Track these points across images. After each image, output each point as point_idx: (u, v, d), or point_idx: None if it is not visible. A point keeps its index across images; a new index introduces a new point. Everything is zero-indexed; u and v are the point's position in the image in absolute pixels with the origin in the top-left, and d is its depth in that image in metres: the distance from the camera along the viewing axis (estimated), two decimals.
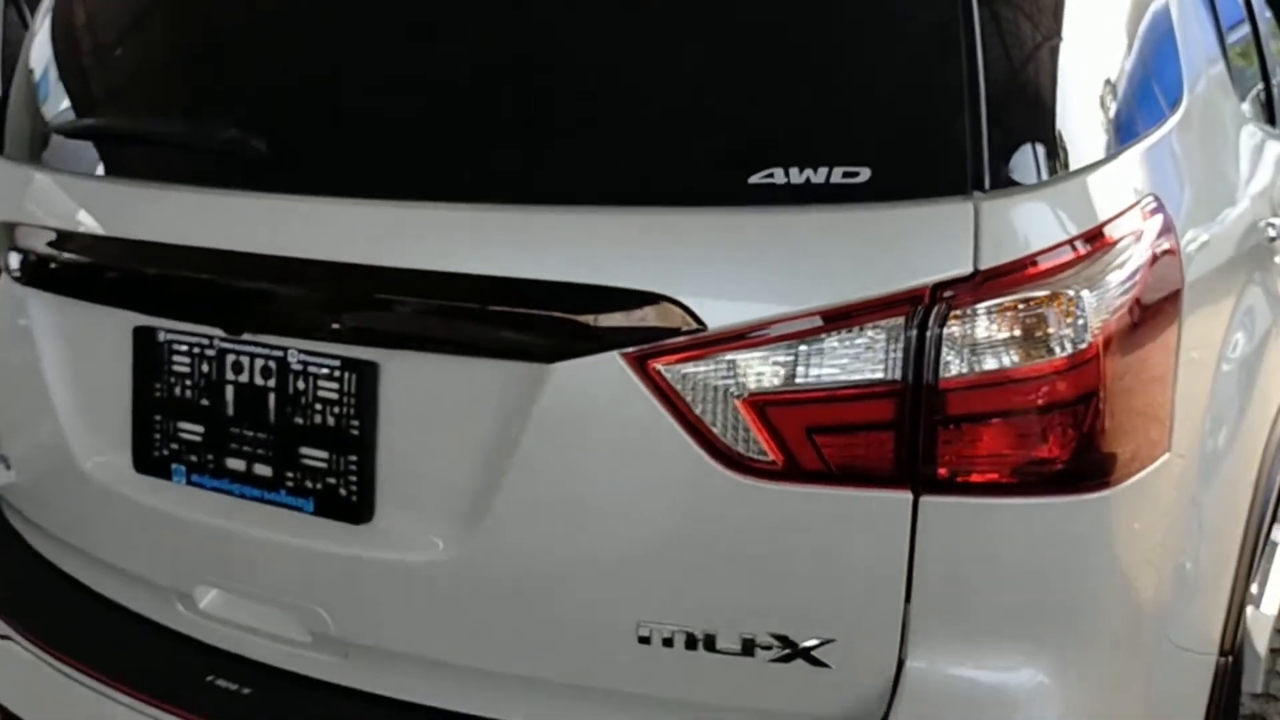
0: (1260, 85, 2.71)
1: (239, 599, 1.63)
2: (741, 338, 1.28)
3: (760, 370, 1.27)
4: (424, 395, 1.45)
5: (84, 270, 1.72)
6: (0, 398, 1.93)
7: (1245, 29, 2.68)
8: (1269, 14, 3.22)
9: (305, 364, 1.51)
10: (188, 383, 1.61)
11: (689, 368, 1.29)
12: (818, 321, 1.26)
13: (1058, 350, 1.24)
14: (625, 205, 1.35)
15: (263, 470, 1.57)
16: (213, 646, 1.68)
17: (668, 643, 1.36)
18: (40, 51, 1.96)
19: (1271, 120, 2.72)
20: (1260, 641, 2.33)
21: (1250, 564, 1.75)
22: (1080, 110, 1.37)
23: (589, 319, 1.32)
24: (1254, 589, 2.46)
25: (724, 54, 1.34)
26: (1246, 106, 2.29)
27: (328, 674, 1.58)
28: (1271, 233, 2.05)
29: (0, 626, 1.88)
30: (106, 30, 1.88)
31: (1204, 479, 1.55)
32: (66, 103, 1.89)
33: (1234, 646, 1.69)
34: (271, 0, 1.65)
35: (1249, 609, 2.32)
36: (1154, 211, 1.39)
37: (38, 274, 1.77)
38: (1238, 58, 2.44)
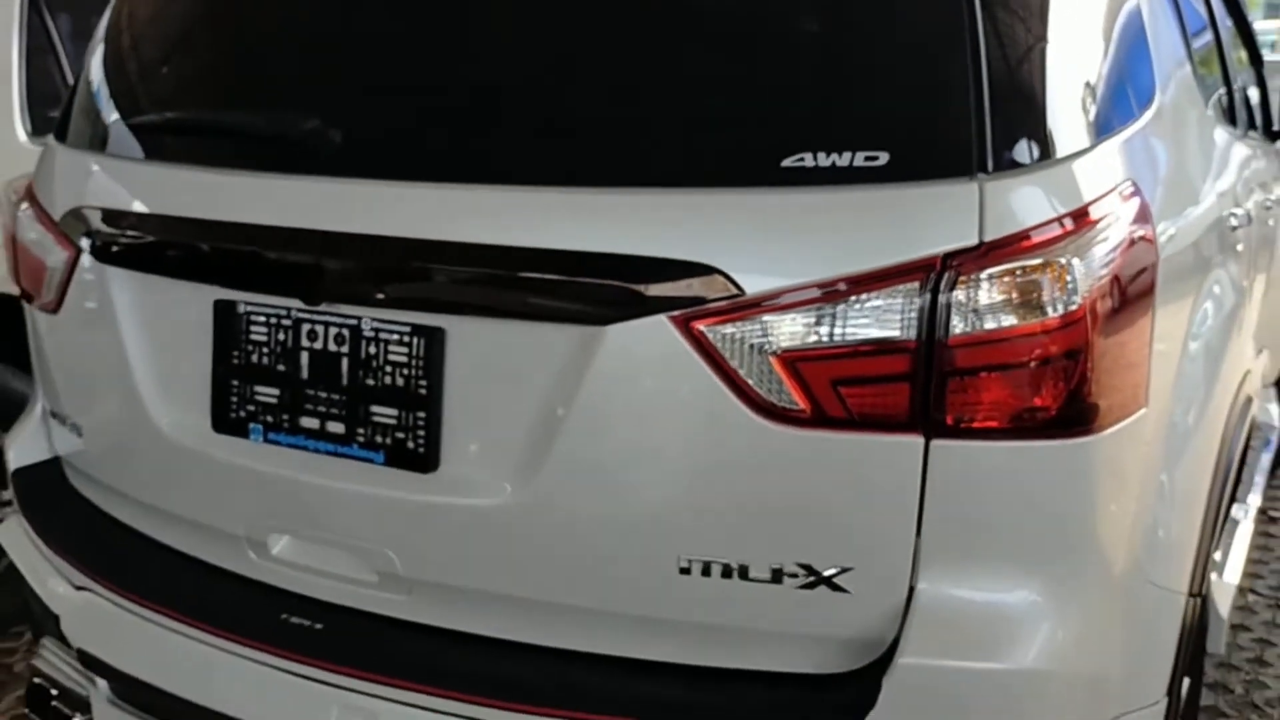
0: (1222, 90, 2.94)
1: (309, 545, 1.80)
2: (775, 301, 1.46)
3: (792, 330, 1.46)
4: (488, 356, 1.63)
5: (169, 250, 1.88)
6: (76, 370, 2.09)
7: (1209, 38, 2.90)
8: (1230, 23, 3.45)
9: (377, 331, 1.69)
10: (265, 350, 1.78)
11: (728, 328, 1.47)
12: (843, 287, 1.44)
13: (1051, 312, 1.43)
14: (671, 186, 1.53)
15: (335, 427, 1.74)
16: (282, 589, 1.84)
17: (705, 573, 1.54)
18: (110, 46, 2.13)
19: (1233, 121, 2.94)
20: (1223, 606, 2.54)
21: (1216, 518, 1.94)
22: (1067, 106, 1.57)
23: (640, 286, 1.50)
24: (1217, 557, 2.68)
25: (762, 57, 1.53)
26: (1210, 109, 2.50)
27: (392, 610, 1.75)
28: (1234, 222, 2.26)
29: (77, 577, 2.04)
30: (181, 24, 2.05)
31: (1174, 439, 1.75)
32: (142, 95, 2.07)
33: (1201, 590, 1.88)
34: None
35: (1212, 575, 2.54)
36: (1132, 194, 1.58)
37: (120, 254, 1.93)
38: (1202, 66, 2.66)
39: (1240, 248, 2.35)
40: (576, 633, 1.65)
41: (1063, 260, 1.43)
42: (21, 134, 3.55)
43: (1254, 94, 3.71)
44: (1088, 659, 1.55)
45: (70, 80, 3.68)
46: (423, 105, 1.70)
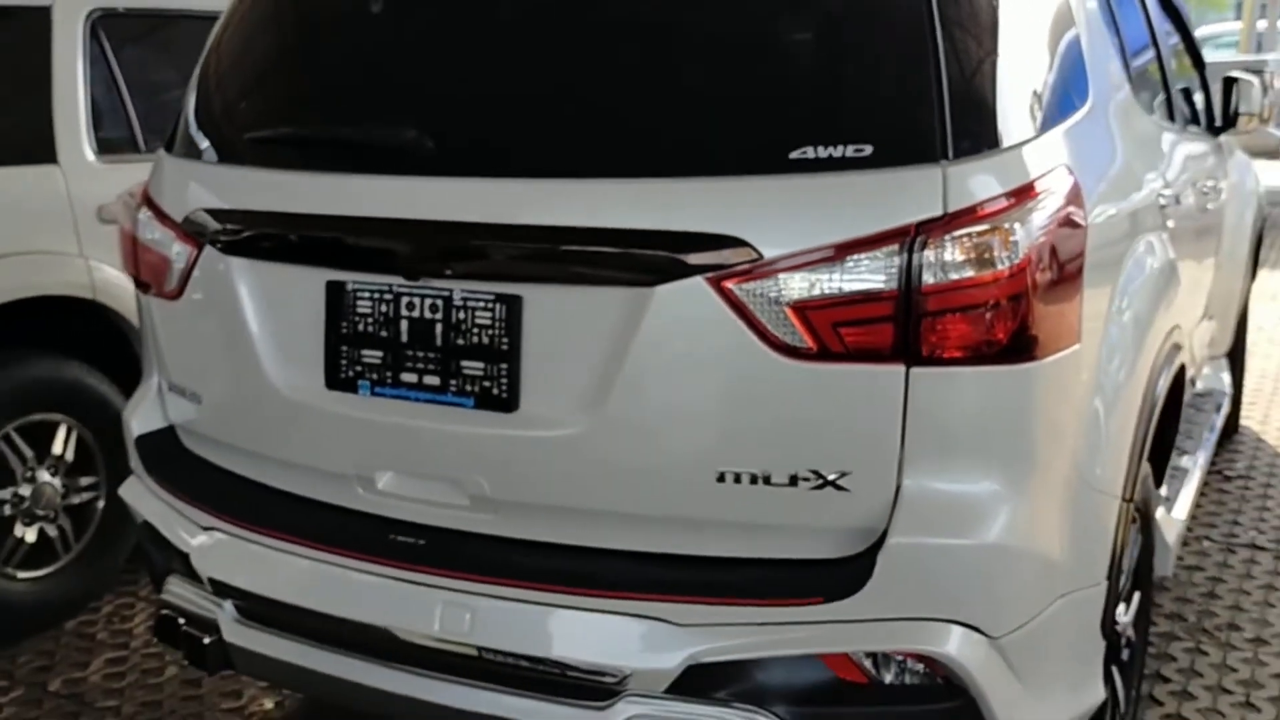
0: (1162, 91, 3.38)
1: (410, 478, 2.20)
2: (787, 263, 1.87)
3: (800, 285, 1.87)
4: (558, 316, 2.04)
5: (288, 240, 2.29)
6: (198, 346, 2.49)
7: (1149, 48, 3.34)
8: (1173, 41, 3.91)
9: (465, 299, 2.10)
10: (370, 320, 2.19)
11: (751, 285, 1.89)
12: (839, 250, 1.86)
13: (999, 265, 1.85)
14: (703, 175, 1.95)
15: (432, 380, 2.15)
16: (387, 517, 2.24)
17: (737, 480, 1.95)
18: (218, 69, 2.54)
19: (1171, 118, 3.38)
20: (1170, 535, 2.98)
21: (1145, 438, 2.36)
22: (1011, 107, 1.99)
23: (681, 254, 1.91)
24: (1164, 492, 3.10)
25: (775, 74, 1.96)
26: (1145, 107, 2.94)
27: (482, 528, 2.15)
28: (1163, 201, 2.69)
29: (204, 520, 2.44)
30: (286, 48, 2.47)
31: (1104, 371, 2.17)
32: (252, 111, 2.48)
33: (1134, 496, 2.29)
34: (426, 23, 2.24)
35: (1160, 509, 2.97)
36: (1065, 175, 2.01)
37: (243, 245, 2.33)
38: (1140, 71, 3.10)
39: (1171, 223, 2.78)
40: (633, 535, 2.05)
41: (1007, 226, 1.85)
42: (90, 154, 3.92)
43: (1200, 97, 4.15)
44: (1039, 540, 1.97)
45: (129, 105, 4.08)
46: (501, 114, 2.11)
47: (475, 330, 2.10)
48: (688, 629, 1.97)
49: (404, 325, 2.16)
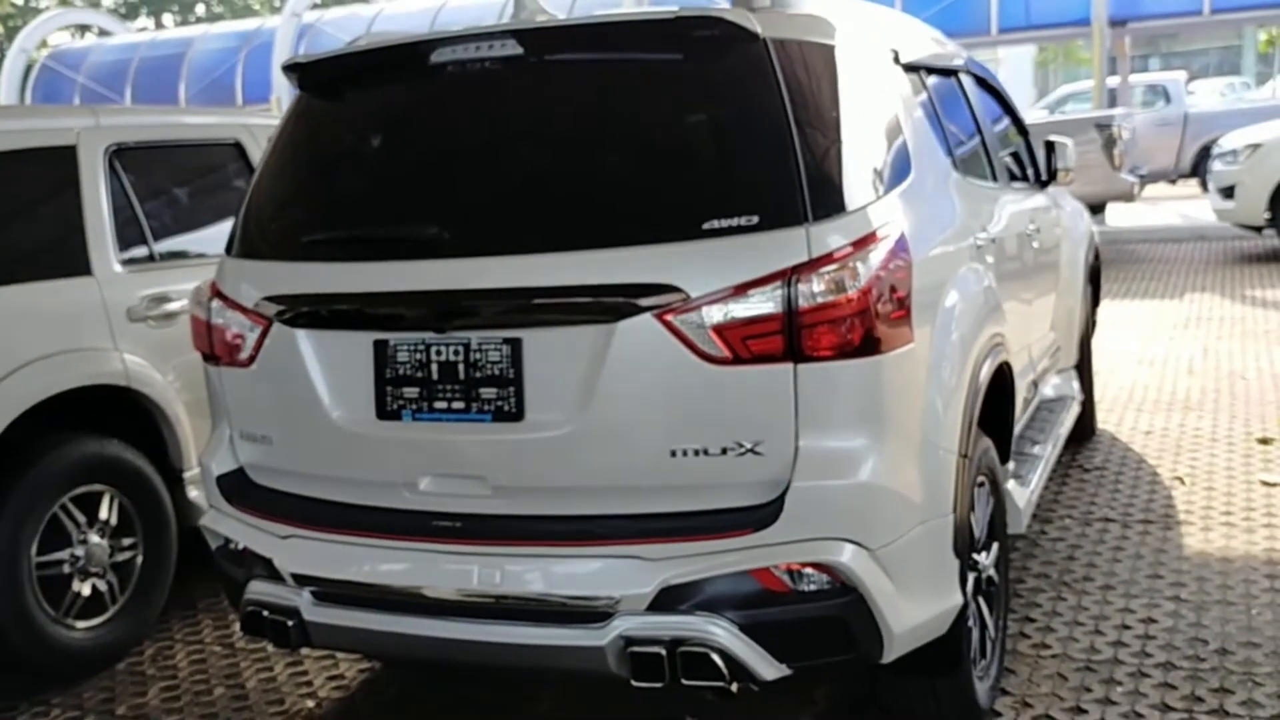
0: (984, 157, 4.34)
1: (445, 479, 2.98)
2: (707, 299, 2.72)
3: (718, 313, 2.71)
4: (549, 349, 2.85)
5: (342, 313, 3.09)
6: (269, 399, 3.26)
7: (972, 127, 4.30)
8: (997, 117, 4.89)
9: (480, 344, 2.91)
10: (408, 365, 2.99)
11: (684, 316, 2.72)
12: (742, 287, 2.71)
13: (849, 291, 2.72)
14: (648, 244, 2.79)
15: (458, 404, 2.95)
16: (427, 511, 3.02)
17: (685, 454, 2.77)
18: (270, 187, 3.36)
19: (993, 177, 4.34)
20: (1020, 499, 3.86)
21: (973, 412, 3.22)
22: (854, 182, 2.88)
23: (635, 299, 2.74)
24: (1011, 467, 3.98)
25: (692, 175, 2.84)
26: (970, 171, 3.87)
27: (500, 509, 2.94)
28: (979, 242, 3.62)
29: (282, 530, 3.20)
30: (324, 166, 3.30)
31: (935, 361, 3.04)
32: (309, 218, 3.28)
33: (970, 454, 3.15)
34: (435, 145, 3.09)
35: (1011, 482, 3.86)
36: (895, 228, 2.89)
37: (307, 320, 3.12)
38: (966, 145, 4.04)
39: (989, 258, 3.71)
40: (613, 501, 2.85)
41: (852, 264, 2.73)
42: (117, 266, 4.65)
43: (1037, 156, 5.15)
44: (898, 482, 2.82)
45: (143, 223, 4.81)
46: (498, 210, 2.95)
47: (489, 365, 2.91)
48: (658, 562, 2.78)
49: (434, 367, 2.97)
